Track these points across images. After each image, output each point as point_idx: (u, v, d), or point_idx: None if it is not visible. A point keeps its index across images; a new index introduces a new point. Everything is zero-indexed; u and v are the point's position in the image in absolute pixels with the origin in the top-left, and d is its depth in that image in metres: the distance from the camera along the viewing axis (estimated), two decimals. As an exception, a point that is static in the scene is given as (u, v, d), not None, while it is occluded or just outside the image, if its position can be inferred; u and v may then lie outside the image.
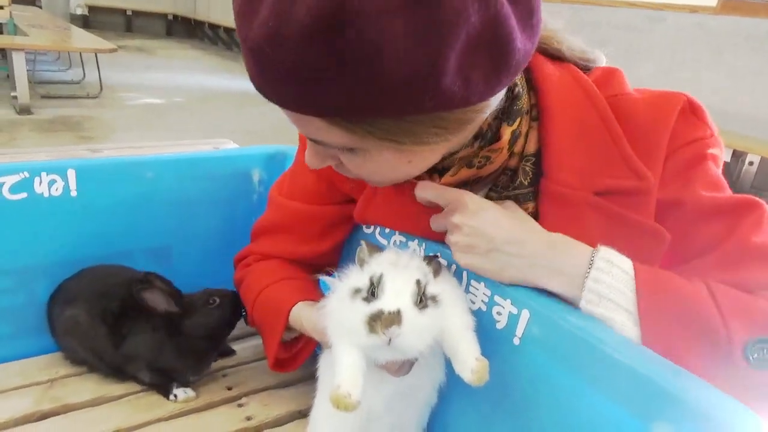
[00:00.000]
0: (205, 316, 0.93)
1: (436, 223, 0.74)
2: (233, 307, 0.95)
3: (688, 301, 0.58)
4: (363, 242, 0.66)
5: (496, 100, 0.60)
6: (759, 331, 0.56)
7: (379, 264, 0.63)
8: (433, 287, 0.62)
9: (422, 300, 0.60)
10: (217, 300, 0.95)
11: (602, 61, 0.76)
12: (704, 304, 0.58)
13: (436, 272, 0.65)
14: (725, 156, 4.15)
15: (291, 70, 0.48)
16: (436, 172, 0.71)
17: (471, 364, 0.59)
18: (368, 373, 0.61)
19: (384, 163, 0.60)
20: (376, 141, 0.55)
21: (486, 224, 0.66)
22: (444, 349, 0.63)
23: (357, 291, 0.61)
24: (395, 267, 0.62)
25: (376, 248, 0.66)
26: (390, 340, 0.57)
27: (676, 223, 0.67)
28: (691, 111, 0.68)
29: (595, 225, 0.67)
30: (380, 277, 0.60)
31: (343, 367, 0.60)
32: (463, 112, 0.55)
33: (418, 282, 0.60)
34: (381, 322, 0.57)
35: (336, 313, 0.65)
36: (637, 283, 0.59)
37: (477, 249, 0.67)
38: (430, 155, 0.62)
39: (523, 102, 0.67)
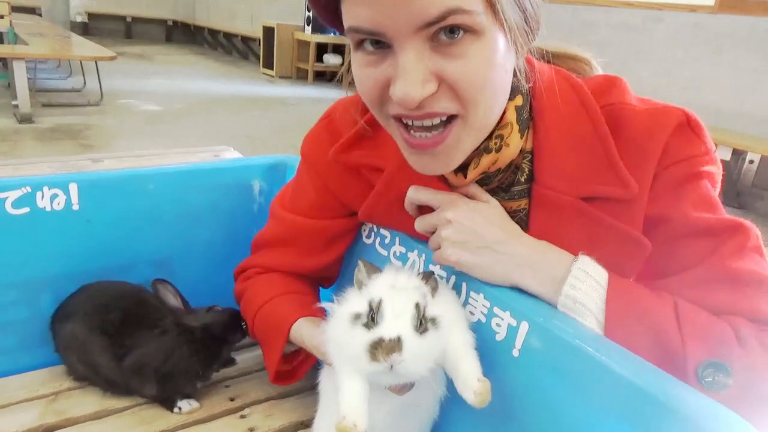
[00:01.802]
0: (207, 315, 0.96)
1: (422, 223, 0.75)
2: (234, 317, 0.96)
3: (653, 319, 0.61)
4: (361, 262, 0.66)
5: (517, 58, 0.63)
6: (711, 355, 0.58)
7: (377, 287, 0.63)
8: (433, 308, 0.62)
9: (422, 323, 0.60)
10: (219, 308, 0.98)
11: (594, 66, 0.77)
12: (667, 323, 0.61)
13: (434, 290, 0.65)
14: (725, 155, 4.16)
15: None
16: (459, 169, 0.71)
17: (473, 386, 0.60)
18: (370, 390, 0.62)
19: (493, 57, 0.57)
20: (500, 13, 0.56)
21: (477, 224, 0.69)
22: (445, 368, 0.64)
23: (357, 316, 0.61)
24: (393, 290, 0.62)
25: (374, 268, 0.66)
26: (392, 366, 0.57)
27: (661, 238, 0.68)
28: (689, 127, 0.67)
29: (579, 229, 0.69)
30: (379, 302, 0.60)
31: (347, 396, 0.60)
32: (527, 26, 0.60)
33: (417, 305, 0.60)
34: (382, 349, 0.57)
35: (337, 340, 0.65)
36: (608, 295, 0.63)
37: (468, 245, 0.69)
38: (509, 65, 0.62)
39: (521, 81, 0.68)
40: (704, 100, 4.70)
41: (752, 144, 4.09)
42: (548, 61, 0.73)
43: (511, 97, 0.67)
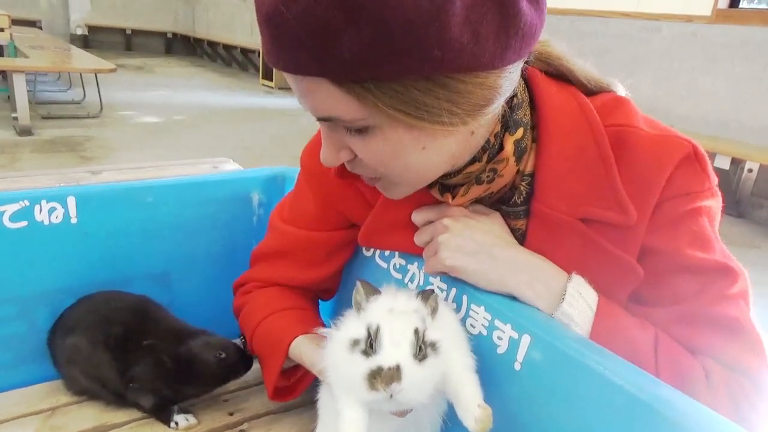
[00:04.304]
0: (205, 382, 0.94)
1: (421, 234, 0.76)
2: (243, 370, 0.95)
3: (632, 347, 0.64)
4: (359, 283, 0.65)
5: (509, 83, 0.58)
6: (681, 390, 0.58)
7: (375, 310, 0.61)
8: (432, 332, 0.61)
9: (421, 349, 0.59)
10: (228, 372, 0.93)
11: (618, 89, 0.76)
12: (645, 353, 0.64)
13: (434, 311, 0.64)
14: (724, 164, 4.16)
15: (302, 26, 0.49)
16: (448, 191, 0.72)
17: (474, 412, 0.58)
18: (371, 413, 0.61)
19: (397, 146, 0.58)
20: (387, 113, 0.54)
21: (475, 230, 0.70)
22: (446, 393, 0.63)
23: (355, 343, 0.60)
24: (392, 314, 0.60)
25: (373, 289, 0.65)
26: (391, 396, 0.56)
27: (651, 269, 0.68)
28: (695, 159, 0.67)
29: (575, 249, 0.69)
30: (377, 329, 0.59)
31: (347, 425, 0.60)
32: (474, 82, 0.54)
33: (416, 331, 0.59)
34: (381, 378, 0.56)
35: (335, 367, 0.64)
36: (595, 319, 0.65)
37: (465, 249, 0.70)
38: (444, 143, 0.60)
39: (524, 113, 0.68)
40: (702, 109, 4.72)
41: (751, 153, 4.10)
42: (562, 78, 0.73)
43: (512, 131, 0.67)
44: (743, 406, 0.62)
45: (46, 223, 0.95)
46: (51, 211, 0.95)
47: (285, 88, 8.88)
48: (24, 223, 0.93)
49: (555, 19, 5.57)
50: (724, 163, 4.16)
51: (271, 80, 8.95)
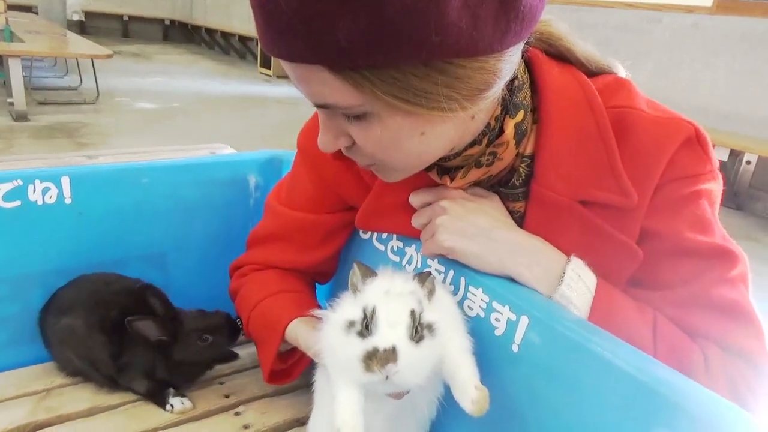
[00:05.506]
0: (196, 353, 0.92)
1: (419, 216, 0.75)
2: (228, 338, 0.94)
3: (631, 331, 0.63)
4: (355, 265, 0.64)
5: (509, 66, 0.57)
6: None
7: (371, 292, 0.61)
8: (429, 314, 0.60)
9: (417, 331, 0.58)
10: (210, 339, 0.92)
11: (619, 70, 0.75)
12: (644, 337, 0.63)
13: (431, 293, 0.63)
14: (723, 155, 4.16)
15: (296, 13, 0.48)
16: (446, 173, 0.71)
17: (471, 394, 0.58)
18: (367, 395, 0.60)
19: (396, 132, 0.57)
20: (385, 100, 0.53)
21: (473, 211, 0.70)
22: (443, 375, 0.62)
23: (351, 324, 0.59)
24: (388, 296, 0.60)
25: (369, 271, 0.65)
26: (387, 377, 0.56)
27: (651, 252, 0.68)
28: (697, 142, 0.66)
29: (574, 232, 0.69)
30: (373, 310, 0.58)
31: (342, 408, 0.59)
32: (473, 67, 0.53)
33: (412, 312, 0.58)
34: (377, 360, 0.56)
35: (331, 348, 0.63)
36: (593, 303, 0.64)
37: (464, 231, 0.69)
38: (443, 128, 0.59)
39: (524, 95, 0.67)
40: (702, 101, 4.70)
41: (750, 145, 4.10)
42: (563, 58, 0.72)
43: (512, 114, 0.66)
44: (741, 390, 0.62)
45: (40, 203, 0.94)
46: (45, 191, 0.94)
47: (283, 76, 8.82)
48: (17, 203, 0.92)
49: (556, 8, 5.53)
50: (722, 155, 4.15)
51: (270, 68, 8.90)
